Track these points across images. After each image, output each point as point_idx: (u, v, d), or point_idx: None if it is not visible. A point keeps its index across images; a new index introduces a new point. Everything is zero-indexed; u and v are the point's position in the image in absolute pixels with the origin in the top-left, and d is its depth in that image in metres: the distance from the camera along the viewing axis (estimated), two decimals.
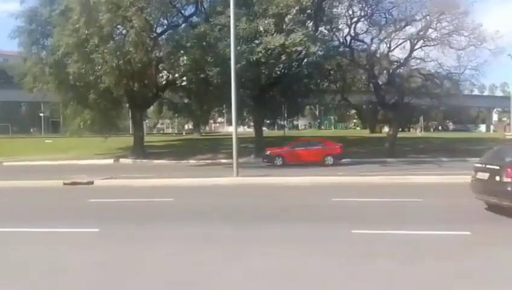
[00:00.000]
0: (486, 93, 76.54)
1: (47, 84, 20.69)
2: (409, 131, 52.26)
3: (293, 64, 21.03)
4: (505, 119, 73.84)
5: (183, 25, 21.15)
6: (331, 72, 24.01)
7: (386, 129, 37.28)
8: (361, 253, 5.55)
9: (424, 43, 21.85)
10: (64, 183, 12.93)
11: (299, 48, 17.61)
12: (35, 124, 53.36)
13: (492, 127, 67.33)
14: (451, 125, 68.52)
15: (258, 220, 7.78)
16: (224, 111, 29.97)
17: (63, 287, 4.54)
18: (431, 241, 6.12)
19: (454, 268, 4.90)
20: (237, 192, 11.70)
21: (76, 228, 7.06)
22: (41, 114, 51.59)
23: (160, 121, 66.03)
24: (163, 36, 21.07)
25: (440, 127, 66.46)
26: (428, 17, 21.15)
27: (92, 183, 13.04)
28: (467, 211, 8.22)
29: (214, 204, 9.62)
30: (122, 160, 22.07)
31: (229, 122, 57.54)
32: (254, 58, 17.62)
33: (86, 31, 16.86)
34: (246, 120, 30.56)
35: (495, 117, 77.05)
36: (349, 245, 5.94)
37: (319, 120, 70.20)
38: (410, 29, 22.00)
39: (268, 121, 33.65)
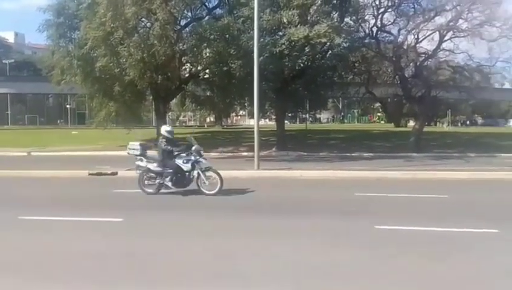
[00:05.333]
0: None
1: (74, 77, 21.17)
2: (435, 125, 50.99)
3: (317, 56, 20.72)
4: None
5: (206, 17, 21.14)
6: (356, 64, 23.54)
7: (411, 123, 36.48)
8: (384, 249, 5.44)
9: (453, 34, 21.07)
10: (90, 174, 13.24)
11: (324, 40, 17.28)
12: (62, 115, 54.87)
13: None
14: (480, 120, 66.40)
15: (278, 213, 7.75)
16: (246, 104, 29.92)
17: (87, 272, 4.64)
18: (456, 239, 5.93)
19: (482, 266, 4.74)
20: (258, 185, 11.66)
21: (101, 217, 7.20)
22: (67, 106, 53.05)
23: (182, 113, 66.69)
24: (186, 29, 21.15)
25: (468, 122, 64.48)
26: (458, 7, 20.36)
27: (116, 173, 13.29)
28: (494, 208, 7.93)
29: (234, 197, 9.60)
30: None
31: (251, 115, 57.62)
32: (277, 51, 17.44)
33: (112, 25, 17.10)
34: (268, 113, 30.41)
35: None
36: (372, 240, 5.84)
37: (342, 113, 69.34)
38: (440, 20, 21.24)
39: (290, 114, 33.45)
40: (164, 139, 9.62)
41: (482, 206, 8.19)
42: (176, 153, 9.48)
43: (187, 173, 9.30)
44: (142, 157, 9.80)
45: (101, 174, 13.19)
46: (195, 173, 9.27)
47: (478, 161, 16.49)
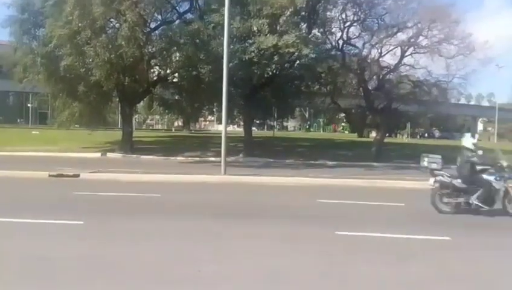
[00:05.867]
0: (472, 102, 77.63)
1: (37, 75, 20.45)
2: (395, 137, 52.88)
3: (285, 65, 21.15)
4: (489, 129, 75.25)
5: (177, 21, 21.13)
6: (322, 75, 24.16)
7: (373, 134, 37.69)
8: (343, 254, 5.69)
9: (414, 50, 22.16)
10: (50, 175, 12.85)
11: (292, 50, 17.71)
12: (22, 114, 52.62)
13: (477, 136, 68.38)
14: (437, 133, 69.53)
15: (243, 218, 7.88)
16: (214, 109, 29.98)
17: (47, 276, 4.56)
18: (411, 245, 6.28)
19: (433, 271, 5.07)
20: (224, 190, 11.78)
21: (60, 220, 7.05)
22: (29, 105, 50.93)
23: (149, 116, 65.58)
24: (156, 32, 21.02)
25: (426, 134, 67.37)
26: (419, 25, 21.46)
27: (78, 176, 12.98)
28: (447, 217, 8.43)
29: (201, 201, 9.69)
30: (109, 154, 21.94)
31: (219, 121, 57.55)
32: (247, 58, 17.69)
33: (79, 24, 16.74)
34: (236, 119, 30.62)
35: (480, 126, 78.42)
36: (333, 246, 6.08)
37: (308, 122, 70.62)
38: (402, 36, 22.30)
39: (258, 121, 33.77)
40: (470, 152, 8.77)
41: (436, 215, 8.67)
42: (480, 168, 8.63)
43: (495, 191, 8.44)
44: (443, 173, 8.82)
45: (62, 175, 12.84)
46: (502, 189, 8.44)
47: None
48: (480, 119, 76.08)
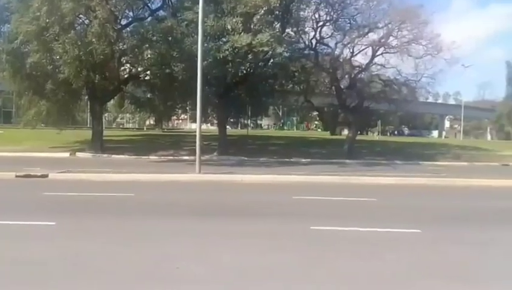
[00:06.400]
0: (440, 100, 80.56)
1: (2, 73, 19.67)
2: (367, 134, 54.11)
3: (259, 64, 21.24)
4: (456, 126, 78.23)
5: (149, 18, 20.77)
6: (296, 73, 24.43)
7: (345, 132, 38.43)
8: (318, 248, 5.79)
9: (384, 50, 22.71)
10: (17, 176, 12.39)
11: (266, 48, 17.79)
12: None
13: (444, 133, 71.12)
14: (406, 130, 71.70)
15: (219, 216, 7.87)
16: (188, 108, 29.73)
17: (18, 278, 4.42)
18: (384, 238, 6.46)
19: (405, 262, 5.24)
20: (199, 188, 11.72)
21: (32, 221, 6.82)
22: None
23: (120, 115, 64.26)
24: (127, 28, 20.60)
25: (396, 132, 69.35)
26: (390, 25, 22.01)
27: (46, 176, 12.57)
28: (418, 211, 8.72)
29: (177, 200, 9.60)
30: (79, 154, 21.37)
31: (192, 119, 57.18)
32: (221, 56, 17.64)
33: (47, 20, 16.20)
34: (210, 118, 30.48)
35: (447, 124, 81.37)
36: (308, 241, 6.18)
37: (282, 121, 71.16)
38: (373, 36, 22.83)
39: (232, 120, 33.74)
40: None
41: (407, 209, 8.96)
42: None
43: None
44: None
45: (29, 176, 12.41)
46: None
47: (404, 168, 17.88)
48: (447, 117, 78.87)
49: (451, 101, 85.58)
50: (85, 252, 5.35)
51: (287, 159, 20.75)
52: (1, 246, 5.53)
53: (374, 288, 4.43)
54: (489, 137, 67.14)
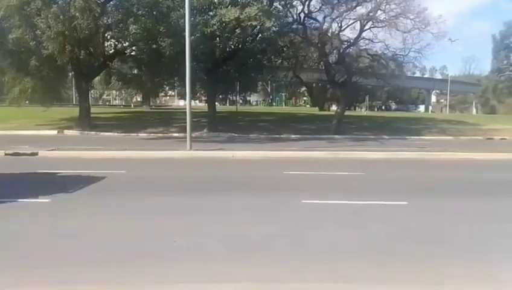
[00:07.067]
0: (426, 75, 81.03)
1: None
2: (355, 110, 54.45)
3: (247, 39, 21.01)
4: (442, 100, 79.09)
5: None
6: (284, 48, 24.25)
7: (334, 107, 38.60)
8: (310, 220, 5.98)
9: (372, 24, 22.62)
10: (6, 154, 12.29)
11: (254, 23, 17.58)
12: None
13: (430, 108, 71.93)
14: (393, 105, 72.29)
15: (211, 191, 7.99)
16: (175, 84, 29.37)
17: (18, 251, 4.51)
18: (373, 210, 6.68)
19: (389, 231, 5.47)
20: (191, 165, 11.81)
21: (27, 199, 6.85)
22: None
23: (106, 91, 63.27)
24: (112, 2, 20.03)
25: (383, 107, 69.88)
26: None
27: (36, 154, 12.49)
28: (404, 184, 8.98)
29: (168, 176, 9.69)
30: (66, 131, 21.15)
31: (180, 96, 56.59)
32: (208, 31, 17.39)
33: None
34: (198, 94, 30.22)
35: (433, 99, 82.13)
36: (300, 213, 6.36)
37: (271, 97, 70.93)
38: (361, 10, 22.65)
39: (220, 96, 33.48)
40: None
41: (394, 182, 9.22)
42: None
43: None
44: None
45: (18, 154, 12.31)
46: None
47: (391, 143, 18.19)
48: (433, 92, 79.56)
49: (438, 76, 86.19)
50: (84, 227, 5.44)
51: (277, 135, 20.89)
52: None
53: (358, 254, 4.65)
54: (474, 111, 68.18)
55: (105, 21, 18.95)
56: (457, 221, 6.09)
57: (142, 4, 17.78)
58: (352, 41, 23.53)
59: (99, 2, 18.12)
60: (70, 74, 23.94)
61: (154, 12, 17.73)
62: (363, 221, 5.97)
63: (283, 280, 3.99)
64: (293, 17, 23.16)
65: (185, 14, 14.08)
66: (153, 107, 46.20)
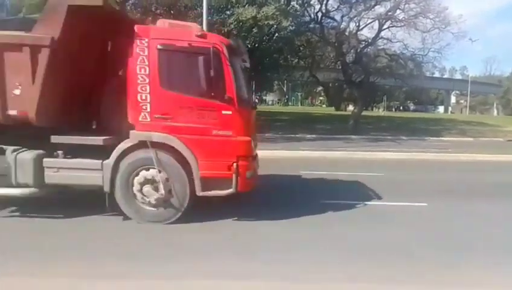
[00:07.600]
0: (446, 75, 79.50)
1: None
2: (372, 110, 53.86)
3: (264, 38, 20.96)
4: (462, 101, 77.55)
5: None
6: (301, 48, 24.13)
7: (350, 107, 38.31)
8: (330, 220, 5.92)
9: (391, 23, 22.30)
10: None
11: (271, 22, 17.49)
12: None
13: (450, 109, 70.65)
14: (411, 106, 71.24)
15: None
16: None
17: None
18: (392, 211, 6.56)
19: (408, 233, 5.36)
20: None
21: None
22: None
23: None
24: (130, 1, 20.26)
25: (401, 107, 68.94)
26: None
27: None
28: (423, 185, 8.80)
29: None
30: None
31: None
32: (226, 30, 17.40)
33: None
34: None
35: (453, 99, 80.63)
36: (320, 213, 6.29)
37: (286, 96, 70.75)
38: (379, 9, 22.35)
39: None
40: None
41: (413, 183, 9.04)
42: None
43: None
44: None
45: None
46: None
47: (409, 143, 17.87)
48: (453, 92, 78.10)
49: (458, 76, 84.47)
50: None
51: (293, 135, 20.72)
52: None
53: (375, 255, 4.56)
54: (495, 112, 66.66)
55: None
56: (478, 223, 5.93)
57: (161, 3, 17.93)
58: (370, 40, 23.24)
59: (118, 1, 18.32)
60: None
61: (172, 12, 17.84)
62: (384, 221, 5.89)
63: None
64: (310, 16, 23.00)
65: (202, 13, 14.12)
66: None
